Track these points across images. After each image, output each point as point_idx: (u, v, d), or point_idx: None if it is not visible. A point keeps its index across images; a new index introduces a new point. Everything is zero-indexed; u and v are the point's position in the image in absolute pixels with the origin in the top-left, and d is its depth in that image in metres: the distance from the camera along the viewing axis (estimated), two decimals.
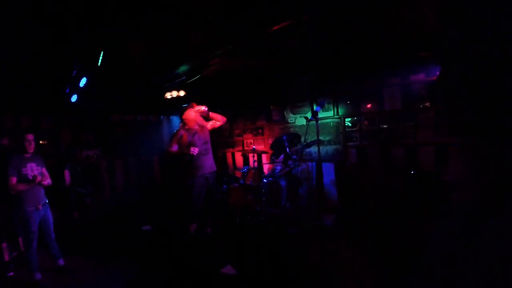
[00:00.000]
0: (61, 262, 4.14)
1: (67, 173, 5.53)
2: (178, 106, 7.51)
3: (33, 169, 3.85)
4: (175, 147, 4.45)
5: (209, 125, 4.76)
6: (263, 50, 4.82)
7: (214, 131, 4.89)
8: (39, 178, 3.76)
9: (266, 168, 6.96)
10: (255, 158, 5.79)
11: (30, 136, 3.86)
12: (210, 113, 4.67)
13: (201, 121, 4.67)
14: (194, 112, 4.55)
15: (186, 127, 4.56)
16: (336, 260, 3.72)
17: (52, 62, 4.77)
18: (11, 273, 4.15)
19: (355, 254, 3.78)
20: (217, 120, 4.75)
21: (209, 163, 4.61)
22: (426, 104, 4.98)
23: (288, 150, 5.73)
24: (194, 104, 4.59)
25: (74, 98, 5.54)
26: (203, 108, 4.59)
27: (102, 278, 3.91)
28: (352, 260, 3.66)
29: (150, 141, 8.02)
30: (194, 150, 4.24)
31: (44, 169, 4.01)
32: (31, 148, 3.85)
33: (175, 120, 8.46)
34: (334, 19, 3.85)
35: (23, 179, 3.72)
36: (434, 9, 3.30)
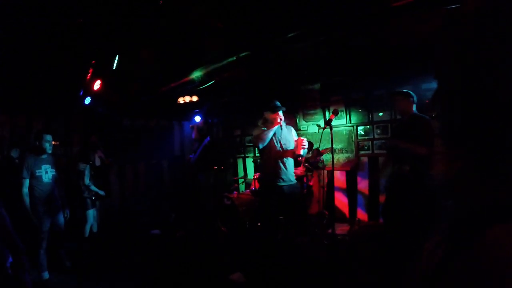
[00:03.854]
0: (68, 264, 4.17)
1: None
2: (190, 111, 7.56)
3: (48, 171, 3.85)
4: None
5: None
6: (275, 58, 4.81)
7: (225, 138, 4.73)
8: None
9: None
10: None
11: (50, 137, 3.85)
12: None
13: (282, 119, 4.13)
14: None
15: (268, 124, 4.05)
16: (341, 271, 3.63)
17: (67, 65, 4.82)
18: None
19: (362, 267, 3.68)
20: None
21: (287, 174, 3.94)
22: None
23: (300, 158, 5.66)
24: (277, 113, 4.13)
25: (87, 100, 5.59)
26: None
27: (109, 281, 3.89)
28: (359, 273, 3.55)
29: (160, 146, 8.03)
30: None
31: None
32: (51, 149, 3.84)
33: (187, 125, 8.45)
34: (343, 29, 3.82)
35: (36, 180, 3.72)
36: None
